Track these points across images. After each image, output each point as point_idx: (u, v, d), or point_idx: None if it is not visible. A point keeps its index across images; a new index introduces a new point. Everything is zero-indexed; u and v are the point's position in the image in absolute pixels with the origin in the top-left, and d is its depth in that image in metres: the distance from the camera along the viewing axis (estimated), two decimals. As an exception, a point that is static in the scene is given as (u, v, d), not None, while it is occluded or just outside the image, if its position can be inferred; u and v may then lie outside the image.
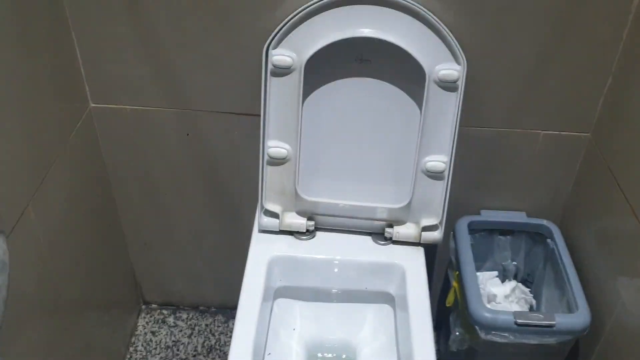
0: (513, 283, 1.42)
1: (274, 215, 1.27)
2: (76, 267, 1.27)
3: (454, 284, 1.34)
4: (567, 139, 1.30)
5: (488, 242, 1.41)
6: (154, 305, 1.70)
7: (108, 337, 1.49)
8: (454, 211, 1.33)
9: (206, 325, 1.65)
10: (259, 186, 1.24)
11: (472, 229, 1.38)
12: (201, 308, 1.70)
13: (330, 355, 1.32)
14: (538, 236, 1.40)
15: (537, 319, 1.18)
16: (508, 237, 1.42)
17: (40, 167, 1.10)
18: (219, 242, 1.55)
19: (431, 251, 1.29)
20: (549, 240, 1.36)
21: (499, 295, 1.38)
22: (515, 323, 1.17)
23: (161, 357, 1.56)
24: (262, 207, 1.27)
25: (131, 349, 1.58)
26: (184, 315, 1.68)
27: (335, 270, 1.27)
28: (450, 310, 1.36)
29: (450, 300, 1.35)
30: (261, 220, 1.27)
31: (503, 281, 1.44)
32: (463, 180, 1.33)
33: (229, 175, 1.40)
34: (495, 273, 1.44)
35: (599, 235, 1.26)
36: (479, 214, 1.41)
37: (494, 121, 1.29)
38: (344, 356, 1.31)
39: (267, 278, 1.20)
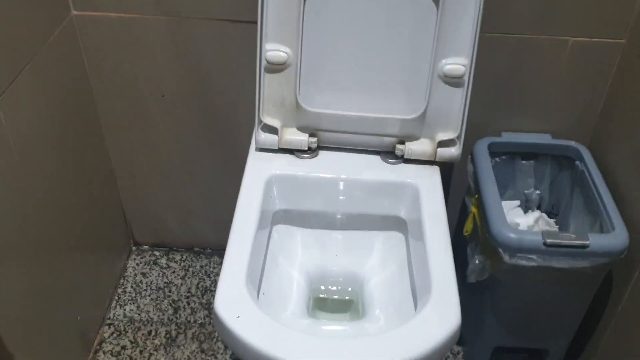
0: (537, 213, 1.29)
1: (273, 130, 1.14)
2: (56, 195, 1.15)
3: (473, 209, 1.20)
4: (598, 47, 1.17)
5: (509, 167, 1.28)
6: (145, 247, 1.57)
7: (94, 279, 1.37)
8: (471, 134, 1.20)
9: (201, 266, 1.53)
10: (256, 97, 1.11)
11: (492, 152, 1.24)
12: (196, 249, 1.58)
13: (334, 287, 1.19)
14: (564, 160, 1.26)
15: (568, 238, 1.05)
16: (531, 161, 1.28)
17: (10, 67, 0.98)
18: (213, 174, 1.42)
19: (445, 177, 1.16)
20: (577, 163, 1.23)
21: (522, 226, 1.25)
22: (544, 244, 1.04)
23: (151, 299, 1.44)
24: (259, 121, 1.14)
25: (119, 290, 1.46)
26: (177, 257, 1.55)
27: (340, 190, 1.13)
28: (467, 241, 1.23)
29: (468, 228, 1.22)
30: (258, 136, 1.14)
31: (526, 212, 1.31)
32: (482, 98, 1.20)
33: (223, 92, 1.27)
34: (517, 202, 1.31)
35: (636, 155, 1.12)
36: (499, 136, 1.27)
37: (517, 26, 1.15)
38: (349, 289, 1.19)
39: (264, 198, 1.07)
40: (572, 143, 1.25)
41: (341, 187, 1.13)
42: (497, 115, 1.27)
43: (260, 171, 1.12)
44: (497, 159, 1.26)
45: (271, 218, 1.13)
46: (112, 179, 1.42)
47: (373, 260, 1.20)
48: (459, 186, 1.35)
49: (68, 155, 1.20)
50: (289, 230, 1.19)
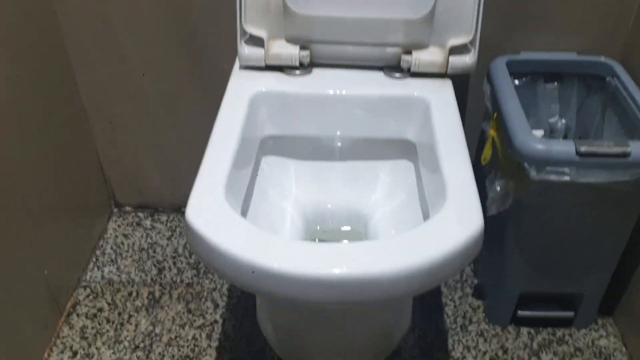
0: (563, 143, 1.13)
1: (259, 43, 0.99)
2: (22, 150, 1.01)
3: (491, 132, 1.05)
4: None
5: (531, 92, 1.13)
6: (127, 208, 1.42)
7: (69, 242, 1.22)
8: (486, 56, 1.05)
9: (189, 227, 1.37)
10: (237, 1, 0.96)
11: (511, 73, 1.09)
12: (184, 210, 1.41)
13: (334, 226, 1.03)
14: (593, 80, 1.11)
15: (606, 146, 0.89)
16: (555, 84, 1.13)
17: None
18: (199, 121, 1.27)
19: (459, 100, 1.00)
20: (609, 79, 1.07)
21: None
22: (578, 153, 0.88)
23: (133, 260, 1.29)
24: (242, 32, 0.99)
25: (98, 252, 1.30)
26: (164, 218, 1.40)
27: (338, 109, 0.98)
28: (485, 172, 1.07)
29: (486, 155, 1.06)
30: (242, 50, 0.99)
31: (550, 143, 1.15)
32: (497, 12, 1.06)
33: (204, 23, 1.13)
34: (541, 132, 1.15)
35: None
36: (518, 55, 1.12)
37: None
38: (348, 228, 1.03)
39: (248, 120, 0.92)
40: (602, 58, 1.09)
41: (339, 105, 0.98)
42: (515, 32, 1.12)
43: (243, 89, 0.97)
44: (516, 82, 1.11)
45: (258, 146, 0.98)
46: (87, 130, 1.28)
47: (378, 194, 1.04)
48: (473, 114, 1.19)
49: (36, 103, 1.06)
50: (280, 162, 1.04)
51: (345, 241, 0.98)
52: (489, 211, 1.02)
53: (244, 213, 0.90)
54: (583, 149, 0.88)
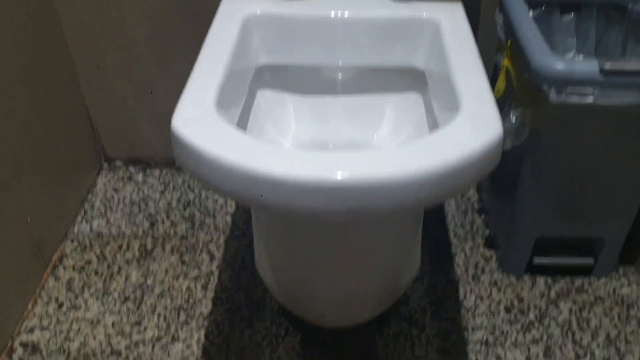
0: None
1: (252, -38, 0.91)
2: (5, 93, 0.94)
3: (505, 62, 0.97)
4: None
5: (546, 24, 1.05)
6: (118, 163, 1.35)
7: (55, 196, 1.15)
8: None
9: (183, 181, 1.30)
10: None
11: (525, 2, 1.01)
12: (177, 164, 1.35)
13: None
14: (614, 10, 1.03)
15: (632, 64, 0.81)
16: (572, 15, 1.05)
17: None
18: (191, 63, 1.19)
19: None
20: (630, 7, 1.00)
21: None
22: (602, 71, 0.81)
23: (124, 213, 1.22)
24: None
25: (86, 205, 1.23)
26: (156, 172, 1.33)
27: (340, 34, 0.91)
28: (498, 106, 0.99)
29: (500, 87, 0.99)
30: (233, -29, 0.91)
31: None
32: None
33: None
34: (556, 67, 1.07)
35: None
36: (532, -17, 1.05)
37: None
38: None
39: (240, 44, 0.84)
40: (623, -16, 1.01)
41: (341, 29, 0.91)
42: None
43: (235, 12, 0.89)
44: (530, 14, 1.03)
45: (253, 78, 0.90)
46: (73, 76, 1.20)
47: (383, 130, 0.97)
48: (485, 48, 1.11)
49: (19, 49, 0.98)
50: (278, 97, 0.97)
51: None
52: (505, 145, 0.94)
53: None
54: (608, 66, 0.81)
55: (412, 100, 0.95)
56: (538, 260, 1.06)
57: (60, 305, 1.02)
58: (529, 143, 0.92)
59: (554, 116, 0.87)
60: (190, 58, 1.16)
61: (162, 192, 1.27)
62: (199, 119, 0.66)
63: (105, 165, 1.35)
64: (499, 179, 1.11)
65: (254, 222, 0.94)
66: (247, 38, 0.87)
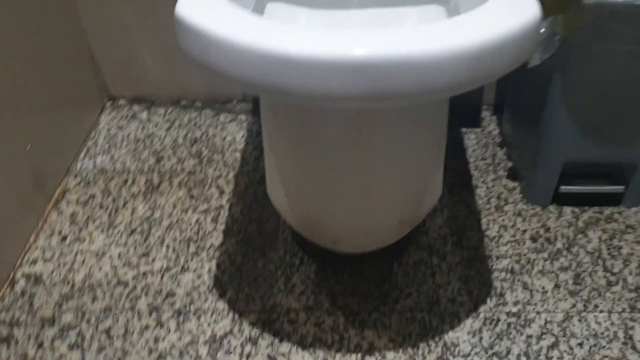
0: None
1: None
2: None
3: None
4: None
5: None
6: (122, 101, 1.29)
7: (56, 132, 1.09)
8: None
9: (189, 119, 1.25)
10: None
11: None
12: (183, 103, 1.30)
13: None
14: None
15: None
16: None
17: None
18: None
19: None
20: None
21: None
22: (644, -34, 0.74)
23: (129, 150, 1.16)
24: None
25: (89, 142, 1.18)
26: (161, 111, 1.27)
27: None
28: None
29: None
30: None
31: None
32: None
33: None
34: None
35: None
36: None
37: None
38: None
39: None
40: None
41: None
42: None
43: None
44: None
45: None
46: (72, 5, 1.14)
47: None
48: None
49: None
50: (288, 10, 0.91)
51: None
52: (531, 62, 0.88)
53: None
54: (650, -40, 0.74)
55: (434, 13, 0.89)
56: (565, 188, 1.01)
57: (64, 238, 0.97)
58: (559, 56, 0.86)
59: (588, 22, 0.81)
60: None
61: (168, 130, 1.22)
62: (205, 3, 0.60)
63: (109, 104, 1.29)
64: (524, 103, 1.05)
65: (265, 137, 0.89)
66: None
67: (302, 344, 0.81)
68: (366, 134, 0.71)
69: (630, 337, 0.82)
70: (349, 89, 0.53)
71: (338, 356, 0.80)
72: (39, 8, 1.01)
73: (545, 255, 0.94)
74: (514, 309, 0.86)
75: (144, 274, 0.91)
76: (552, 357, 0.79)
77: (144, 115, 1.26)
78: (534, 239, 0.97)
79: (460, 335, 0.82)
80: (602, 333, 0.82)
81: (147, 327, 0.83)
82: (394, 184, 0.80)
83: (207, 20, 0.56)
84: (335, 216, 0.83)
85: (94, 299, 0.87)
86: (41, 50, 1.02)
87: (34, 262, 0.93)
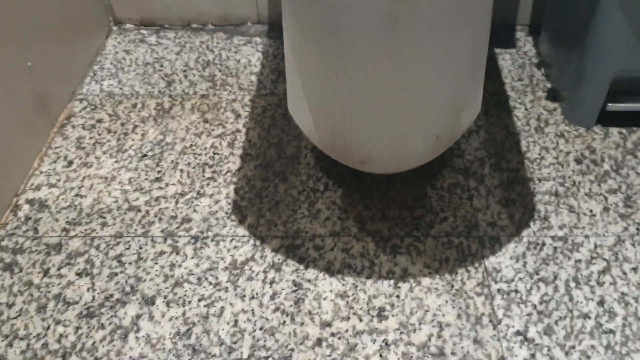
0: None
1: None
2: None
3: None
4: None
5: None
6: (129, 25, 1.21)
7: (58, 56, 1.01)
8: None
9: (201, 42, 1.16)
10: None
11: None
12: (194, 26, 1.21)
13: None
14: None
15: None
16: None
17: None
18: None
19: None
20: None
21: None
22: None
23: (137, 74, 1.08)
24: None
25: (95, 67, 1.10)
26: (171, 34, 1.19)
27: None
28: None
29: None
30: None
31: None
32: None
33: None
34: None
35: None
36: None
37: None
38: None
39: None
40: None
41: None
42: None
43: None
44: None
45: None
46: None
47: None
48: None
49: None
50: None
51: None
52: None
53: None
54: None
55: None
56: (612, 106, 0.92)
57: (70, 163, 0.91)
58: None
59: None
60: None
61: (178, 53, 1.13)
62: None
63: (115, 28, 1.20)
64: (568, 15, 0.96)
65: (288, 48, 0.80)
66: None
67: (330, 270, 0.75)
68: (401, 37, 0.63)
69: (691, 262, 0.75)
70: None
71: (369, 282, 0.73)
72: None
73: (591, 177, 0.86)
74: (560, 233, 0.78)
75: (157, 199, 0.84)
76: (603, 282, 0.73)
77: (152, 39, 1.18)
78: (578, 161, 0.89)
79: (503, 261, 0.75)
80: (658, 257, 0.75)
81: (161, 253, 0.77)
82: (432, 93, 0.71)
83: None
84: (366, 130, 0.75)
85: (103, 225, 0.81)
86: None
87: (38, 187, 0.87)
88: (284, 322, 0.69)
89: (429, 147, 0.77)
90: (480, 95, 0.81)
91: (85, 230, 0.80)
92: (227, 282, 0.74)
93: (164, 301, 0.72)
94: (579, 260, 0.75)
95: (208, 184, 0.87)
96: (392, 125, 0.72)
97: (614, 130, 0.93)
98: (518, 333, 0.68)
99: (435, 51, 0.67)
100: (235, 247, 0.77)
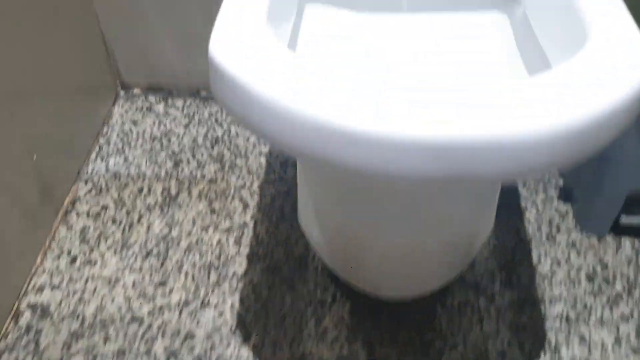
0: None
1: None
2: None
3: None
4: None
5: None
6: (136, 91, 1.19)
7: (65, 128, 0.99)
8: None
9: (210, 114, 1.14)
10: None
11: None
12: (203, 94, 1.19)
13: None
14: None
15: None
16: None
17: None
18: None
19: None
20: None
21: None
22: None
23: (144, 150, 1.06)
24: None
25: (101, 140, 1.08)
26: (179, 103, 1.17)
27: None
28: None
29: None
30: None
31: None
32: None
33: None
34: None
35: None
36: None
37: None
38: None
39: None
40: None
41: None
42: None
43: None
44: None
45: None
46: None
47: (457, 59, 0.79)
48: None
49: None
50: (326, 13, 0.79)
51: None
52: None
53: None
54: None
55: (495, 22, 0.78)
56: (626, 220, 0.91)
57: (74, 260, 0.89)
58: None
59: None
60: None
61: (187, 126, 1.12)
62: (245, 42, 0.49)
63: (122, 93, 1.18)
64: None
65: (300, 170, 0.79)
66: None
67: (336, 403, 0.73)
68: (422, 190, 0.61)
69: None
70: (427, 170, 0.43)
71: (375, 420, 0.72)
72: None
73: (603, 299, 0.85)
74: (571, 368, 0.77)
75: (161, 308, 0.83)
76: None
77: (160, 107, 1.16)
78: (590, 278, 0.87)
79: (512, 400, 0.74)
80: (670, 403, 0.74)
81: (164, 376, 0.76)
82: (447, 228, 0.70)
83: (248, 74, 0.46)
84: (377, 260, 0.73)
85: (106, 339, 0.79)
86: (48, 35, 0.91)
87: (41, 289, 0.85)
88: None
89: (439, 276, 0.76)
90: (492, 218, 0.80)
91: (88, 345, 0.78)
92: (230, 414, 0.72)
93: None
94: (589, 402, 0.74)
95: (213, 291, 0.85)
96: (404, 258, 0.71)
97: (627, 242, 0.92)
98: None
99: (455, 200, 0.65)
100: (239, 371, 0.76)
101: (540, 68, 0.63)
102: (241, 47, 0.49)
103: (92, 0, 1.05)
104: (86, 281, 0.86)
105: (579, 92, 0.45)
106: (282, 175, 1.02)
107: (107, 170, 1.03)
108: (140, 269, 0.88)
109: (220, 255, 0.90)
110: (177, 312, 0.82)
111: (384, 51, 0.75)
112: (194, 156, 1.06)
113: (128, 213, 0.96)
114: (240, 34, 0.51)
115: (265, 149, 1.07)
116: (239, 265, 0.88)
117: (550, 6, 0.63)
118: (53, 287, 0.85)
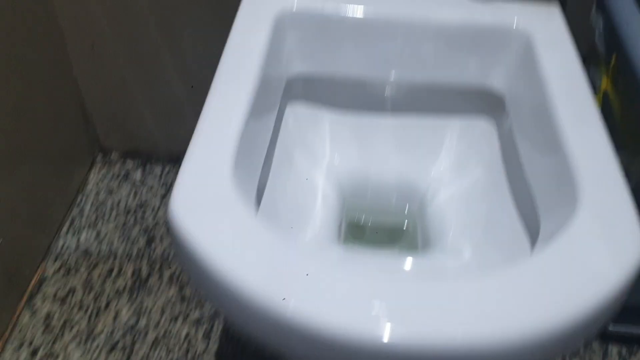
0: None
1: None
2: None
3: (604, 83, 0.75)
4: None
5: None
6: (114, 155, 1.15)
7: (38, 194, 0.95)
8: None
9: (190, 183, 1.10)
10: None
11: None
12: (182, 159, 1.14)
13: (379, 206, 0.76)
14: None
15: None
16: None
17: None
18: (202, 42, 0.98)
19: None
20: None
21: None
22: None
23: (117, 225, 1.02)
24: None
25: (75, 211, 1.04)
26: (157, 170, 1.13)
27: (397, 41, 0.69)
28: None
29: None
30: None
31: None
32: None
33: None
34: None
35: None
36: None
37: None
38: (404, 209, 0.76)
39: (271, 50, 0.63)
40: None
41: (399, 34, 0.69)
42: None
43: (264, 8, 0.67)
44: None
45: (283, 89, 0.69)
46: (64, 55, 0.99)
47: (442, 164, 0.76)
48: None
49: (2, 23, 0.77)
50: (312, 113, 0.76)
51: (407, 258, 0.67)
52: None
53: (260, 188, 0.62)
54: None
55: (481, 129, 0.74)
56: (614, 328, 0.87)
57: (35, 352, 0.84)
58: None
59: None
60: (201, 32, 0.95)
61: (163, 197, 1.08)
62: (207, 199, 0.46)
63: (100, 157, 1.14)
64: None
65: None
66: (279, 42, 0.67)
67: None
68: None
69: None
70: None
71: None
72: (25, 50, 0.86)
73: (591, 411, 0.80)
74: None
75: (122, 412, 0.78)
76: None
77: (137, 174, 1.12)
78: (577, 385, 0.83)
79: None
80: None
81: None
82: None
83: (209, 238, 0.42)
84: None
85: None
86: (27, 98, 0.88)
87: (-3, 386, 0.81)
88: None
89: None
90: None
91: None
92: None
93: None
94: None
95: (179, 392, 0.80)
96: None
97: (614, 349, 0.88)
98: None
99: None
100: None
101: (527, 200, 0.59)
102: (204, 212, 0.45)
103: (73, 69, 1.02)
104: (45, 379, 0.81)
105: (556, 291, 0.41)
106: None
107: (77, 247, 0.99)
108: (104, 364, 0.83)
109: (187, 351, 0.85)
110: (138, 418, 0.78)
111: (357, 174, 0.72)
112: (168, 231, 1.02)
113: (96, 298, 0.91)
114: (203, 194, 0.47)
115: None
116: (208, 363, 0.84)
117: (531, 127, 0.60)
118: (9, 385, 0.81)
